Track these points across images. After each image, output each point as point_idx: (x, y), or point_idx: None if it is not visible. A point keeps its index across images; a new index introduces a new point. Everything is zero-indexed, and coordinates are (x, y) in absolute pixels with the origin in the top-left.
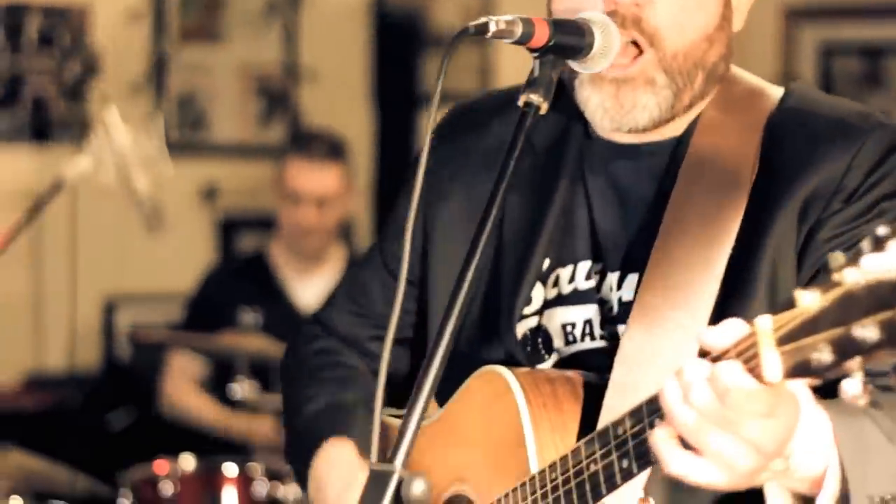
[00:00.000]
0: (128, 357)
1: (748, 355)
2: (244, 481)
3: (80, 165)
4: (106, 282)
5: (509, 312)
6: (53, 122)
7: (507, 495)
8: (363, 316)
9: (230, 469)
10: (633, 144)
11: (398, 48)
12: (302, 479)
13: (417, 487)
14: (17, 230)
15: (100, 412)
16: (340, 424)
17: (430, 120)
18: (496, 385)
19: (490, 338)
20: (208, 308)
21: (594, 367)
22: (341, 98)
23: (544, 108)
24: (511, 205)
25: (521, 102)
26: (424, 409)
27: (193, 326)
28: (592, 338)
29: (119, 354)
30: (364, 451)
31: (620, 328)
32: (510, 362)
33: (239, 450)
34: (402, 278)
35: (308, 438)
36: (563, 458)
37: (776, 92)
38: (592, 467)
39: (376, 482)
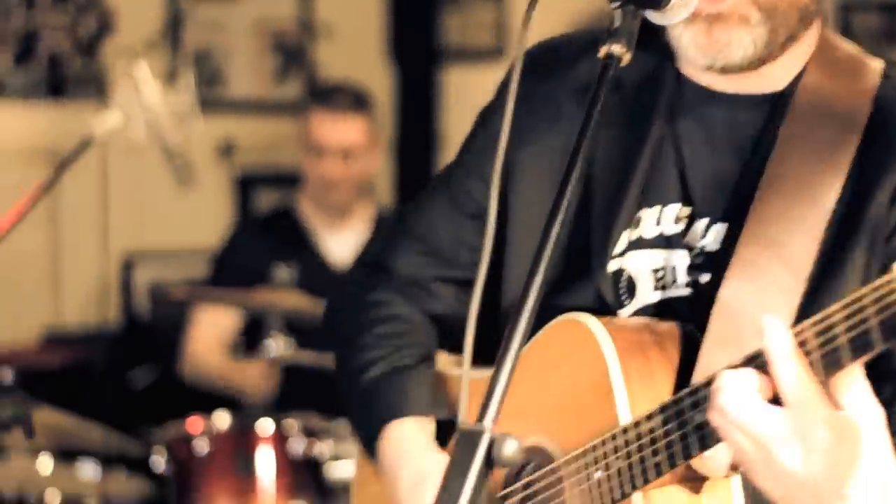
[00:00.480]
0: (148, 314)
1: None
2: (279, 439)
3: (108, 121)
4: (123, 239)
5: (601, 255)
6: (69, 78)
7: (594, 447)
8: (428, 255)
9: (265, 427)
10: (730, 94)
11: (416, 2)
12: (368, 450)
13: (509, 447)
14: (44, 187)
15: (121, 370)
16: (402, 398)
17: (516, 60)
18: (579, 333)
19: (573, 282)
20: (237, 264)
21: (676, 316)
22: (358, 54)
23: (626, 58)
24: (601, 142)
25: (601, 54)
26: (514, 364)
27: (222, 282)
28: (675, 285)
29: (138, 311)
30: (429, 412)
31: (703, 277)
32: (591, 308)
33: (274, 407)
34: (490, 221)
35: (371, 412)
36: (665, 407)
37: (874, 62)
38: (698, 418)
39: (466, 442)
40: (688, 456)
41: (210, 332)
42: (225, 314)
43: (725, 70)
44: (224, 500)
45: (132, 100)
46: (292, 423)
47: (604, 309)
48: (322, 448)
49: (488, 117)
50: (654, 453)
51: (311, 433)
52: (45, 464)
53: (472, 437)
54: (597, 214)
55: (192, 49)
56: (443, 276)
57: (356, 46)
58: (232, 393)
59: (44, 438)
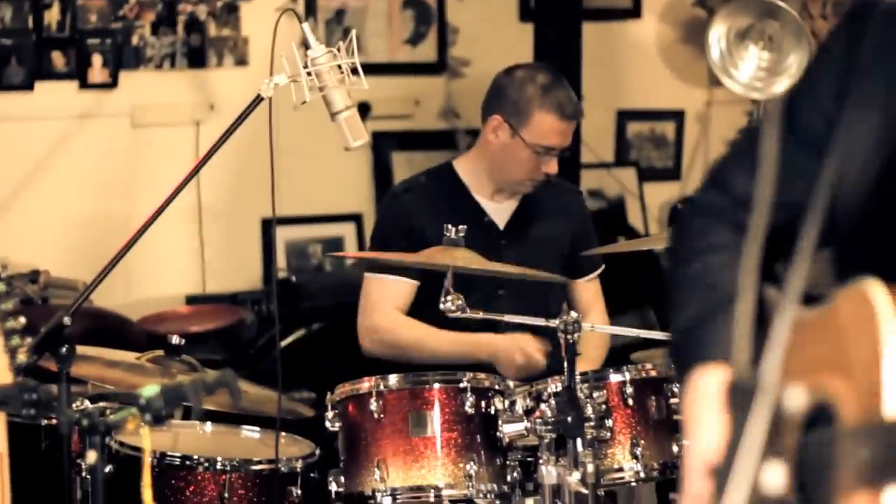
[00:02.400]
0: (292, 277)
1: None
2: (451, 397)
3: (275, 83)
4: (265, 202)
5: None
6: (207, 44)
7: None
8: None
9: (436, 385)
10: None
11: None
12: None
13: (794, 399)
14: (214, 149)
15: (268, 333)
16: (710, 343)
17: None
18: (864, 303)
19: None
20: (404, 226)
21: None
22: (494, 13)
23: None
24: None
25: None
26: (793, 312)
27: (389, 246)
28: None
29: (282, 275)
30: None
31: None
32: None
33: (443, 367)
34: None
35: (682, 353)
36: None
37: None
38: None
39: (746, 392)
40: None
41: (388, 301)
42: (397, 280)
43: None
44: (396, 459)
45: (298, 62)
46: (463, 381)
47: None
48: (494, 405)
49: (829, 47)
50: None
51: (482, 391)
52: (208, 425)
53: (754, 388)
54: None
55: (325, 11)
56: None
57: (492, 6)
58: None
59: (214, 402)
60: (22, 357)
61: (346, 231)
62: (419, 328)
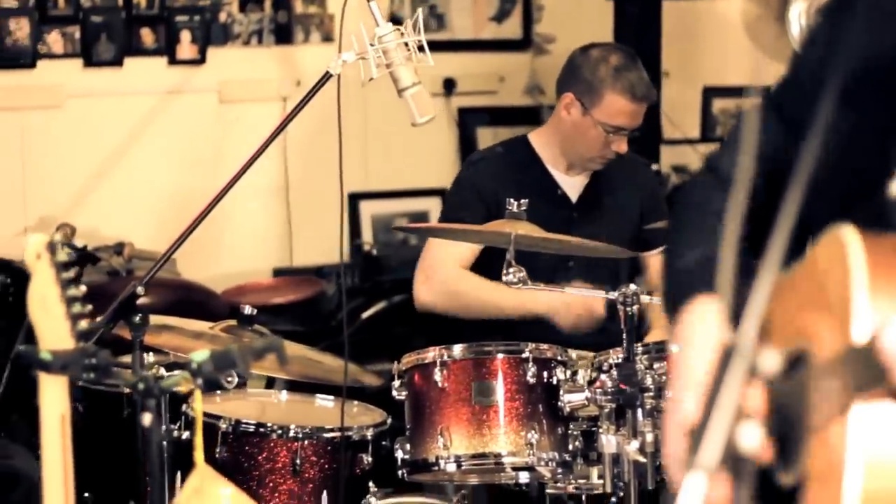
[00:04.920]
0: (375, 251)
1: None
2: (514, 366)
3: (343, 60)
4: (348, 176)
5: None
6: (294, 21)
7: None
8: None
9: (500, 355)
10: None
11: None
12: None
13: (768, 361)
14: (281, 127)
15: (350, 305)
16: (708, 281)
17: None
18: (836, 245)
19: (857, 203)
20: (478, 194)
21: None
22: None
23: None
24: None
25: None
26: (771, 278)
27: (462, 212)
28: None
29: (366, 249)
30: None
31: None
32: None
33: (506, 337)
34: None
35: (680, 289)
36: None
37: None
38: None
39: (727, 352)
40: None
41: (451, 259)
42: (459, 244)
43: None
44: (459, 427)
45: (364, 39)
46: (526, 353)
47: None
48: (556, 375)
49: (831, 14)
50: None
51: (544, 361)
52: (283, 394)
53: (733, 348)
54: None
55: None
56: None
57: None
58: (487, 317)
59: (286, 371)
60: (83, 324)
61: (432, 205)
62: (480, 280)
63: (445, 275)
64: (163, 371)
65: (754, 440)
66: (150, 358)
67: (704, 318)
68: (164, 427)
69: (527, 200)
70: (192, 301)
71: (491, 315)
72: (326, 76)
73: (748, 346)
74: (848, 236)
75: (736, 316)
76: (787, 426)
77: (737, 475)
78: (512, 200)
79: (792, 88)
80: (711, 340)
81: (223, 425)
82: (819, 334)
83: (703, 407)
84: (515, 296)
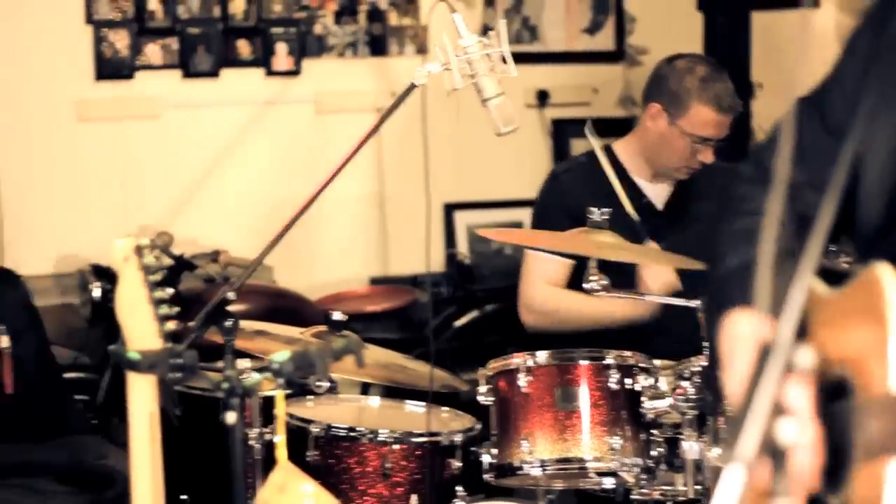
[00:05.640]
0: (469, 260)
1: None
2: (597, 373)
3: (427, 72)
4: (443, 188)
5: None
6: (388, 33)
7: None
8: (796, 160)
9: (583, 362)
10: None
11: None
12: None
13: (803, 357)
14: (367, 137)
15: (444, 313)
16: (747, 289)
17: None
18: (875, 286)
19: None
20: (563, 205)
21: None
22: (671, 2)
23: None
24: None
25: None
26: (808, 279)
27: (548, 224)
28: None
29: (460, 259)
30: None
31: None
32: None
33: (590, 344)
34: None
35: (720, 297)
36: None
37: None
38: None
39: (765, 349)
40: None
41: (541, 277)
42: (551, 258)
43: None
44: (543, 432)
45: (450, 50)
46: (610, 360)
47: None
48: (639, 382)
49: (855, 40)
50: None
51: (627, 368)
52: (375, 399)
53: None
54: None
55: (504, 2)
56: (809, 182)
57: None
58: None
59: (373, 375)
60: (170, 325)
61: (525, 216)
62: (570, 295)
63: (540, 296)
64: (254, 374)
65: (792, 436)
66: (244, 363)
67: (740, 334)
68: (256, 430)
69: (609, 210)
70: (287, 308)
71: (589, 325)
72: (412, 87)
73: (786, 342)
74: (886, 279)
75: (777, 311)
76: (837, 450)
77: (776, 465)
78: (594, 209)
79: (833, 94)
80: (747, 358)
81: (314, 429)
82: (861, 368)
83: (742, 401)
84: (604, 304)
